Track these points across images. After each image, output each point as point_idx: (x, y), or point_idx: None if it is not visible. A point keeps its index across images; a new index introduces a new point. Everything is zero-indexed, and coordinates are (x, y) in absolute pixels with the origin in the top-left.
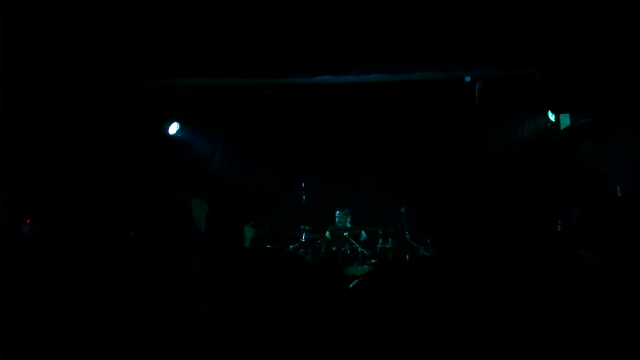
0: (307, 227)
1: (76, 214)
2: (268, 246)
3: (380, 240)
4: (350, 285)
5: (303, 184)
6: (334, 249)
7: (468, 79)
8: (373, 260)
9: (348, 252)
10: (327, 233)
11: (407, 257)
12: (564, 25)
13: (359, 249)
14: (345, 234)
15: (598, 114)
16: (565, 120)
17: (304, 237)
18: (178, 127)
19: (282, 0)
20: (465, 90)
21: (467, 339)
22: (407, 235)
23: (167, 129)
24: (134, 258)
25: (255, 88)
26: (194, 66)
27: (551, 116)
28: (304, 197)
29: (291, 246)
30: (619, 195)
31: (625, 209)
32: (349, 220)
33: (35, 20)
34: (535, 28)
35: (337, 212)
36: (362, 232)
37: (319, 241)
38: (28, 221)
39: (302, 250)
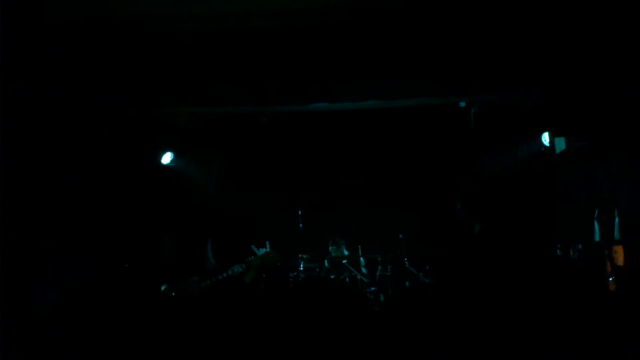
0: (304, 256)
1: (67, 245)
2: (264, 275)
3: (380, 267)
4: None
5: (300, 212)
6: (332, 277)
7: (463, 104)
8: (373, 288)
9: (347, 279)
10: (326, 262)
11: (407, 284)
12: (561, 49)
13: (359, 277)
14: (344, 261)
15: (595, 138)
16: (561, 144)
17: (302, 266)
18: (172, 157)
19: (275, 27)
20: (460, 116)
21: None
22: (407, 262)
23: (160, 158)
24: (130, 289)
25: (249, 116)
26: (187, 95)
27: (545, 141)
28: (301, 225)
29: (290, 275)
30: None
31: (625, 233)
32: (344, 249)
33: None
34: (531, 53)
35: (330, 248)
36: (361, 258)
37: (317, 270)
38: None
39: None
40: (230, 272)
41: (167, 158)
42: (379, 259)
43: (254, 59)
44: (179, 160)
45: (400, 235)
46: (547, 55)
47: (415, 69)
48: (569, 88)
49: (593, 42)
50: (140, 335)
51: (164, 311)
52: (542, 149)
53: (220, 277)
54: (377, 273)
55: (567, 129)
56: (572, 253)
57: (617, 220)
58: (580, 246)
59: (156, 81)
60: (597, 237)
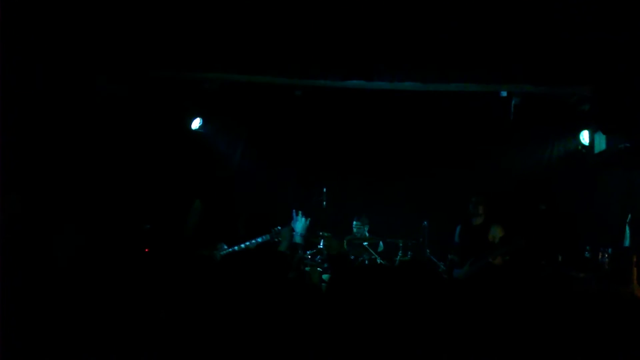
0: (325, 234)
1: (92, 208)
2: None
3: (400, 253)
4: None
5: (325, 189)
6: (352, 258)
7: (504, 93)
8: None
9: (366, 262)
10: (345, 242)
11: None
12: (617, 44)
13: (378, 260)
14: (365, 243)
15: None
16: (601, 144)
17: (321, 244)
18: (200, 123)
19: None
20: (500, 105)
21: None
22: (428, 251)
23: (190, 123)
24: (151, 250)
25: (284, 88)
26: (223, 61)
27: (583, 139)
28: (324, 203)
29: (308, 252)
30: None
31: None
32: (366, 229)
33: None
34: (586, 45)
35: (354, 222)
36: (380, 242)
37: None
38: None
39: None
40: (255, 242)
41: (196, 123)
42: (400, 244)
43: (295, 29)
44: (208, 127)
45: (424, 223)
46: (602, 49)
47: (458, 53)
48: (622, 86)
49: None
50: (156, 297)
51: (186, 272)
52: (580, 147)
53: (243, 246)
54: (397, 258)
55: (613, 127)
56: (600, 256)
57: None
58: (610, 250)
59: (190, 44)
60: (627, 242)
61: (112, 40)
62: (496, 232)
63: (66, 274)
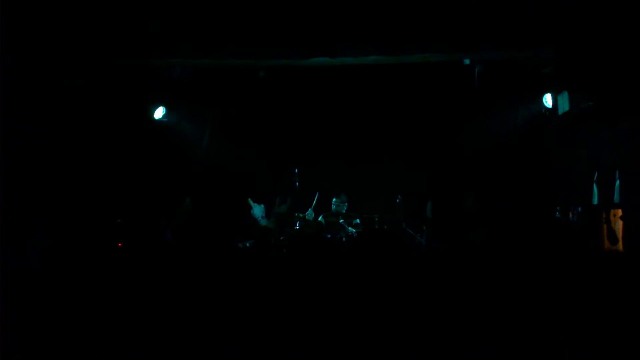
0: (300, 215)
1: (60, 205)
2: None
3: (377, 227)
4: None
5: (296, 170)
6: (329, 236)
7: (467, 61)
8: None
9: (344, 239)
10: (321, 218)
11: None
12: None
13: (355, 236)
14: (341, 220)
15: (604, 99)
16: (564, 105)
17: (297, 225)
18: (164, 112)
19: None
20: (464, 74)
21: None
22: (403, 224)
23: (153, 113)
24: (123, 244)
25: (247, 70)
26: (182, 46)
27: (546, 102)
28: (297, 184)
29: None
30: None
31: (626, 196)
32: (345, 207)
33: None
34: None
35: (334, 200)
36: (357, 219)
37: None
38: None
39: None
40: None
41: (159, 113)
42: (376, 218)
43: (254, 9)
44: (171, 115)
45: (399, 197)
46: (560, 10)
47: (419, 23)
48: (583, 46)
49: None
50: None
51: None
52: (543, 110)
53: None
54: None
55: (576, 87)
56: (571, 215)
57: (617, 183)
58: (580, 209)
59: (148, 30)
60: (595, 201)
61: (68, 30)
62: (470, 201)
63: (40, 274)
